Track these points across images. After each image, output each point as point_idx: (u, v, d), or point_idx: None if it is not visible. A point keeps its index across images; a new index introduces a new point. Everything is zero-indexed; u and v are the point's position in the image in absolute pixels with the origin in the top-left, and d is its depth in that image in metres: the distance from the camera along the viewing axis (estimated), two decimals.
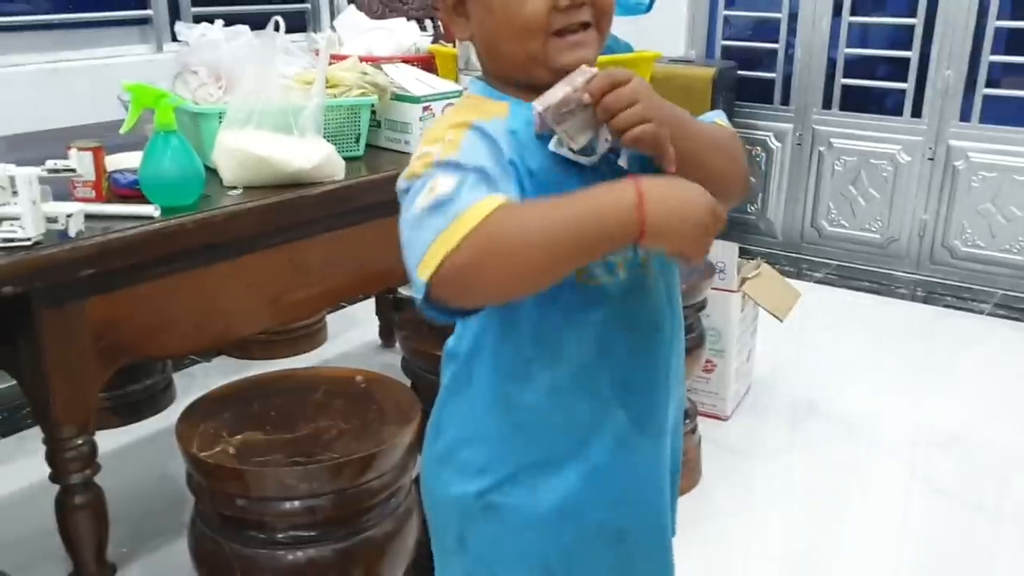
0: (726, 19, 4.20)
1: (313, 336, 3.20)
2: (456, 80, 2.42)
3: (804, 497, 2.38)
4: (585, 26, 0.98)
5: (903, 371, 3.05)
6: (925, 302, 3.63)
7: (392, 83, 2.08)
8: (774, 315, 2.69)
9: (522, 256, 0.85)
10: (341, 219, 1.88)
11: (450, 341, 1.11)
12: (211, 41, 1.88)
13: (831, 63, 3.94)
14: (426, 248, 0.83)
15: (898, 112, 3.82)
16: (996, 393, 2.92)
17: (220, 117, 1.74)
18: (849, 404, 2.82)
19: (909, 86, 3.75)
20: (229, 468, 1.43)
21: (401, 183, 0.92)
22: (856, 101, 4.01)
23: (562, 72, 0.97)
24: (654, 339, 1.07)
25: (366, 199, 1.91)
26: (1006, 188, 3.62)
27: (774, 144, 4.08)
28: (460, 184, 0.85)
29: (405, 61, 2.28)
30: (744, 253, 3.98)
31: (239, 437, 1.51)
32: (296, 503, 1.45)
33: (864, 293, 3.72)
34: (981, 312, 3.53)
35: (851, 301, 3.63)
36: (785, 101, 4.06)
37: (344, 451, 1.49)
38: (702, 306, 2.35)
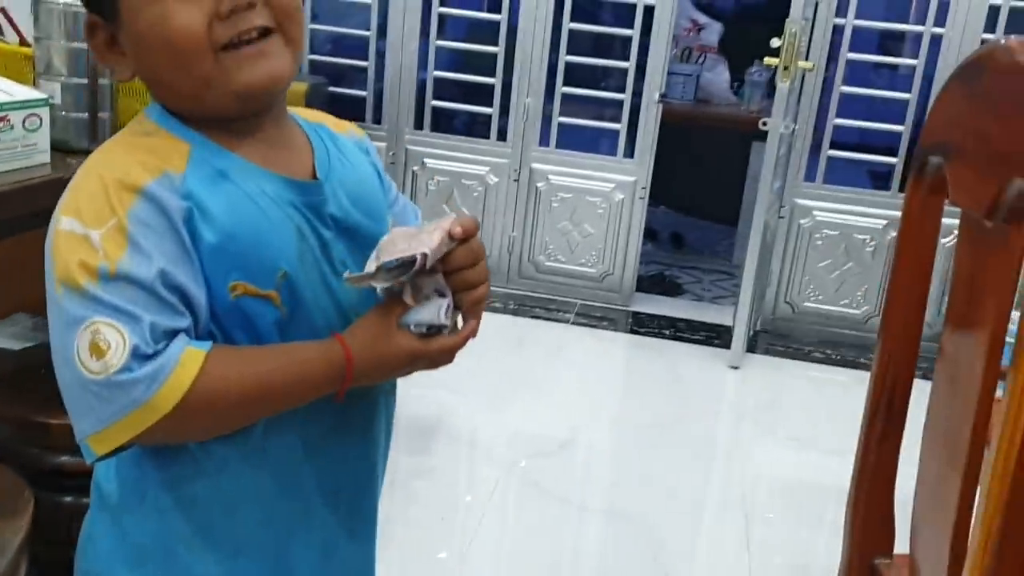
0: (312, 33, 4.10)
1: None
2: (34, 86, 2.06)
3: (436, 522, 2.37)
4: (264, 33, 0.83)
5: (504, 383, 3.20)
6: (516, 314, 3.85)
7: None
8: None
9: (225, 419, 0.83)
10: None
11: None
12: None
13: (421, 84, 4.03)
14: (107, 424, 0.77)
15: (486, 135, 4.01)
16: (588, 398, 3.18)
17: None
18: (462, 421, 2.88)
19: (495, 111, 3.96)
20: None
21: (53, 284, 0.78)
22: (447, 122, 4.14)
23: (248, 95, 0.83)
24: (367, 441, 0.98)
25: None
26: (581, 207, 3.96)
27: None
28: (137, 347, 0.75)
29: None
30: None
31: None
32: None
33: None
34: (566, 321, 3.83)
35: None
36: (378, 120, 4.07)
37: None
38: None
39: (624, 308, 4.01)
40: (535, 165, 3.97)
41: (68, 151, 1.81)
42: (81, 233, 0.77)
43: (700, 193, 5.01)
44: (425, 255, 0.82)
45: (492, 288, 3.51)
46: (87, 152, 1.89)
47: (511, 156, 3.98)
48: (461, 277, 0.87)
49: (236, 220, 0.82)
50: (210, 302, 0.82)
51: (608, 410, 3.19)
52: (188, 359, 0.77)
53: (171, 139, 0.84)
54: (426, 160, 4.03)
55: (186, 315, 0.80)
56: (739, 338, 3.51)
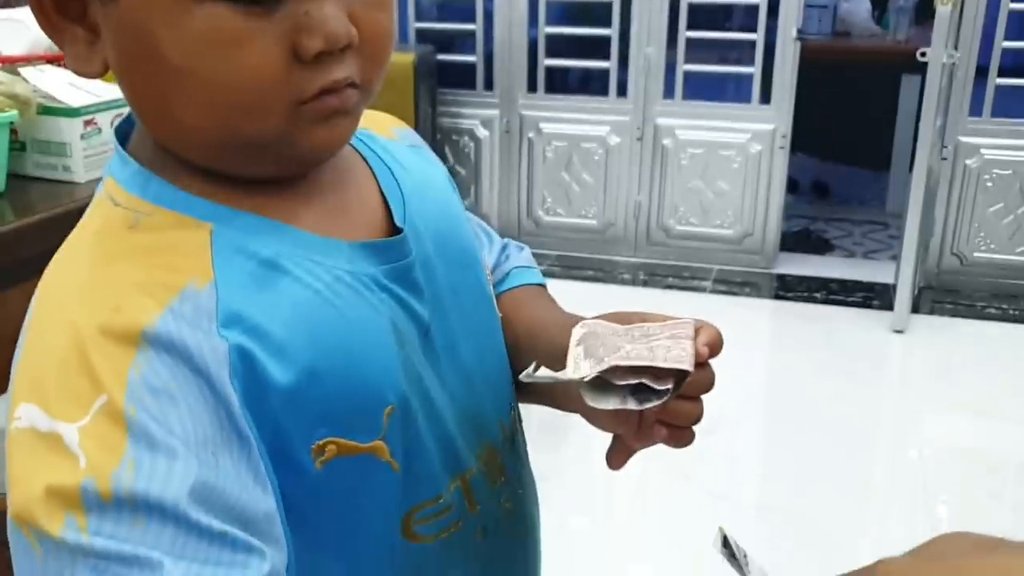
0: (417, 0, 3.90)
1: None
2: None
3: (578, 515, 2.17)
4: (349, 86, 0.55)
5: None
6: (647, 285, 3.59)
7: (37, 92, 1.59)
8: None
9: None
10: None
11: None
12: None
13: (532, 44, 3.77)
14: None
15: (604, 92, 3.73)
16: (733, 375, 2.91)
17: None
18: None
19: (612, 64, 3.67)
20: None
21: (10, 520, 0.47)
22: (562, 82, 3.89)
23: (312, 161, 0.58)
24: (527, 549, 0.73)
25: (19, 252, 1.43)
26: (713, 163, 3.64)
27: (481, 132, 3.85)
28: None
29: (49, 61, 1.76)
30: None
31: None
32: None
33: (587, 282, 3.61)
34: (703, 290, 3.54)
35: (575, 291, 3.50)
36: (489, 86, 3.84)
37: None
38: None
39: (768, 271, 3.68)
40: (660, 120, 3.66)
41: None
42: (47, 431, 0.47)
43: (844, 136, 4.58)
44: (688, 372, 0.57)
45: (619, 258, 3.24)
46: None
47: (632, 113, 3.68)
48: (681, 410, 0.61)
49: (312, 342, 0.54)
50: (282, 485, 0.53)
51: (757, 388, 2.91)
52: None
53: (178, 221, 0.54)
54: (542, 125, 3.78)
55: (246, 548, 0.47)
56: (903, 298, 3.15)
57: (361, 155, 0.66)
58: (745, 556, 0.56)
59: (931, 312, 3.34)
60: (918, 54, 3.02)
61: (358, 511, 0.57)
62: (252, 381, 0.51)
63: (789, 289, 3.56)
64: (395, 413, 0.57)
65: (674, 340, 0.58)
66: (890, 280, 3.41)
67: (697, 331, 0.60)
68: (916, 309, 3.30)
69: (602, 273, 3.67)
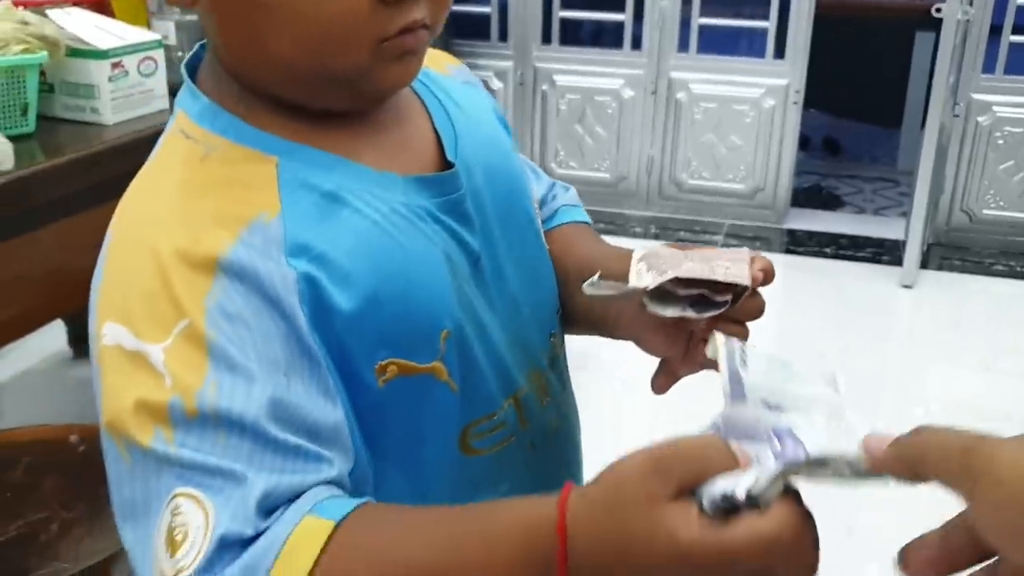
0: None
1: None
2: (147, 26, 1.94)
3: None
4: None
5: None
6: (658, 239, 3.61)
7: (65, 34, 1.61)
8: None
9: None
10: (18, 223, 1.43)
11: None
12: None
13: None
14: None
15: (619, 45, 3.72)
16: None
17: None
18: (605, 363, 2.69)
19: (627, 17, 3.66)
20: None
21: (102, 428, 0.52)
22: (576, 34, 3.88)
23: (386, 95, 0.63)
24: (571, 462, 0.78)
25: (50, 193, 1.46)
26: (726, 118, 3.65)
27: (496, 84, 3.85)
28: (225, 535, 0.47)
29: (76, 3, 1.77)
30: None
31: None
32: None
33: (600, 235, 3.62)
34: (715, 244, 3.56)
35: None
36: (503, 37, 3.84)
37: (72, 555, 1.07)
38: None
39: (778, 226, 3.69)
40: (674, 74, 3.66)
41: None
42: (133, 349, 0.51)
43: (856, 93, 4.57)
44: (747, 287, 0.61)
45: (631, 212, 3.26)
46: None
47: (647, 67, 3.68)
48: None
49: (373, 269, 0.57)
50: (351, 399, 0.57)
51: (766, 342, 2.92)
52: (300, 541, 0.47)
53: (246, 155, 0.58)
54: (555, 77, 3.78)
55: (325, 458, 0.52)
56: (913, 253, 3.17)
57: (416, 93, 0.70)
58: (742, 357, 0.59)
59: (940, 268, 3.37)
60: (933, 10, 3.01)
61: (419, 426, 0.61)
62: (318, 306, 0.55)
63: (800, 244, 3.59)
64: (451, 337, 0.61)
65: (732, 261, 0.62)
66: (899, 236, 3.43)
67: (752, 259, 0.64)
68: (925, 265, 3.32)
69: (614, 226, 3.69)
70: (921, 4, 3.59)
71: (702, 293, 0.61)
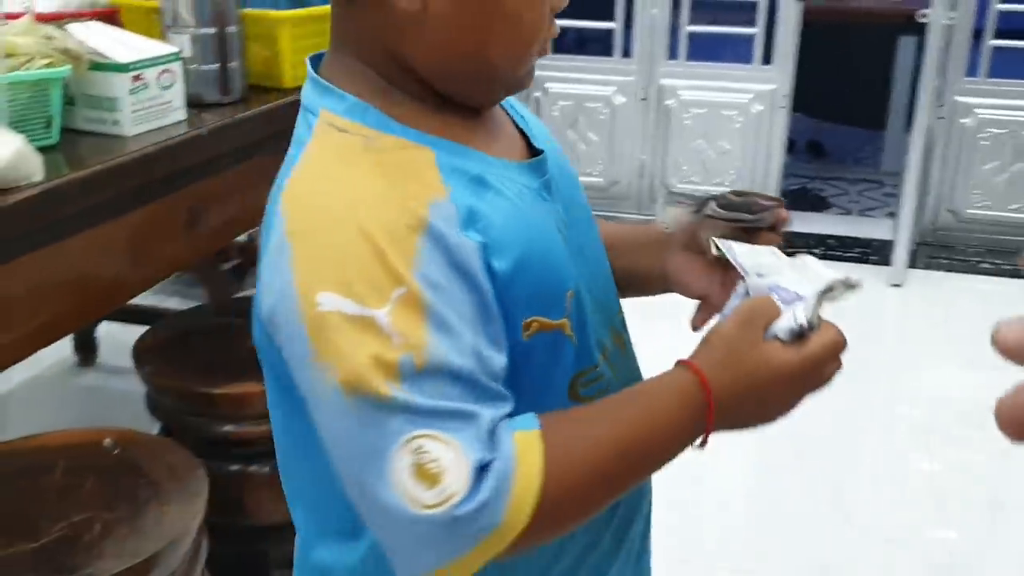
0: None
1: None
2: (163, 39, 1.97)
3: None
4: None
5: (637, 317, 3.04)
6: None
7: (86, 48, 1.63)
8: None
9: (586, 505, 0.65)
10: (46, 233, 1.45)
11: None
12: None
13: None
14: (451, 558, 0.58)
15: (610, 53, 3.78)
16: None
17: None
18: None
19: (618, 25, 3.72)
20: None
21: (327, 387, 0.60)
22: (569, 42, 3.93)
23: (515, 91, 0.73)
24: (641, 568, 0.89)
25: (76, 203, 1.49)
26: (715, 123, 3.71)
27: None
28: (480, 461, 0.58)
29: (94, 17, 1.81)
30: None
31: None
32: None
33: None
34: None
35: None
36: None
37: (118, 554, 1.10)
38: None
39: None
40: (664, 81, 3.72)
41: (201, 106, 1.72)
42: (358, 314, 0.59)
43: (841, 96, 4.65)
44: (780, 200, 0.81)
45: (624, 215, 3.32)
46: (219, 106, 1.81)
47: (637, 73, 3.74)
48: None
49: (519, 239, 0.66)
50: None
51: None
52: (524, 450, 0.60)
53: (402, 144, 0.66)
54: (548, 85, 3.84)
55: (508, 396, 0.63)
56: (901, 252, 3.25)
57: None
58: (736, 250, 0.75)
59: (927, 267, 3.44)
60: (918, 15, 3.09)
61: (546, 375, 0.71)
62: (487, 272, 0.64)
63: (789, 245, 3.59)
64: (573, 296, 0.72)
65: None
66: (886, 236, 3.51)
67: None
68: (913, 264, 3.40)
69: None
70: (904, 9, 3.68)
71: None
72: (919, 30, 3.13)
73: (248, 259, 2.56)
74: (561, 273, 0.70)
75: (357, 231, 0.60)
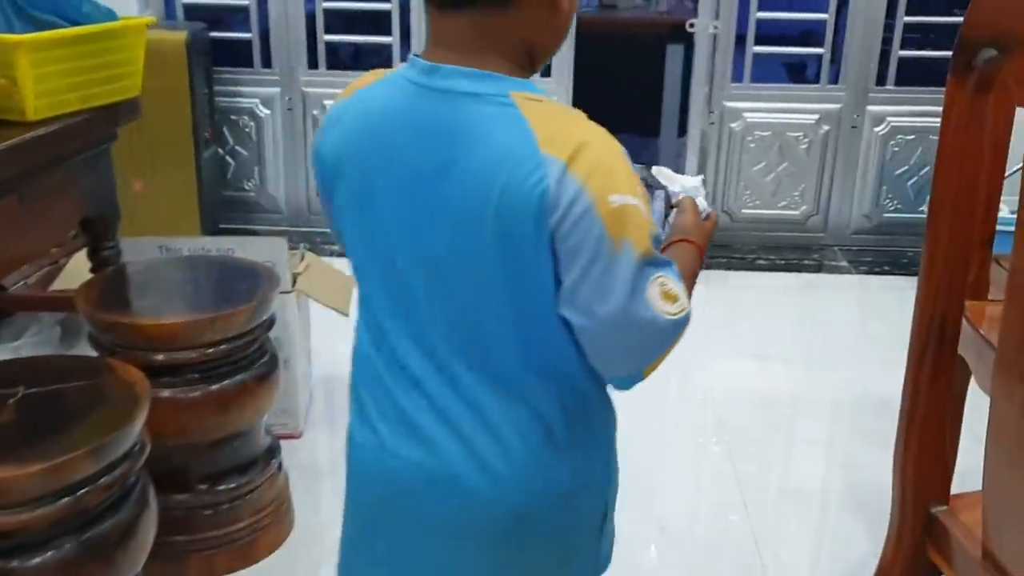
0: None
1: None
2: None
3: None
4: None
5: None
6: None
7: None
8: (336, 309, 2.39)
9: None
10: None
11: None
12: None
13: (310, 18, 3.66)
14: (663, 352, 0.97)
15: (390, 65, 3.68)
16: None
17: None
18: None
19: (394, 39, 3.63)
20: None
21: (623, 253, 0.90)
22: (340, 57, 3.80)
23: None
24: None
25: None
26: None
27: (262, 111, 3.71)
28: (682, 290, 0.95)
29: None
30: (251, 234, 3.60)
31: None
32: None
33: None
34: None
35: None
36: (267, 63, 3.70)
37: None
38: (271, 323, 1.95)
39: None
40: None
41: None
42: (638, 206, 0.91)
43: (615, 106, 4.75)
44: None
45: None
46: None
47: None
48: None
49: None
50: None
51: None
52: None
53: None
54: (327, 102, 3.69)
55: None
56: None
57: None
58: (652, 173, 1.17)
59: (707, 267, 3.54)
60: (687, 25, 3.19)
61: None
62: None
63: None
64: None
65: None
66: None
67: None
68: None
69: None
70: (670, 19, 3.81)
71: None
72: (686, 39, 3.24)
73: None
74: None
75: (622, 157, 0.93)
